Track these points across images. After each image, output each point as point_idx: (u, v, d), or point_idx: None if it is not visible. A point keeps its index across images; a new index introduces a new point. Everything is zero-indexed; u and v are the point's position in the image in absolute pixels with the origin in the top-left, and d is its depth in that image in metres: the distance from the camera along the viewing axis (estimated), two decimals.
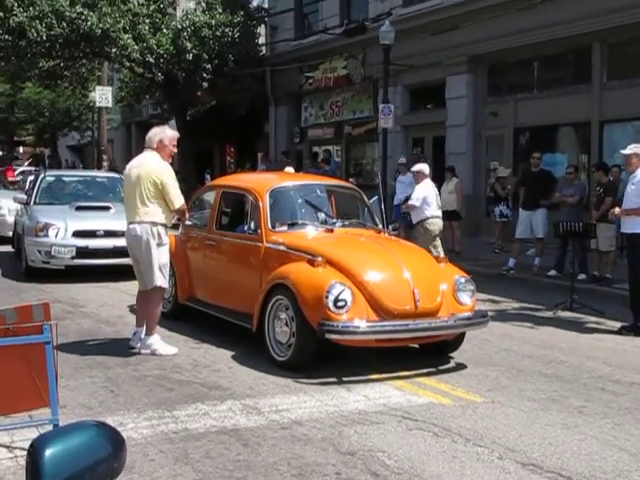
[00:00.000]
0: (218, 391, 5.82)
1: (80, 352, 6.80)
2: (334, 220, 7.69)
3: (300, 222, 7.46)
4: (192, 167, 24.88)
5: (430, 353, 6.93)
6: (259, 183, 7.92)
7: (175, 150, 7.14)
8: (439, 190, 15.65)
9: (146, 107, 30.50)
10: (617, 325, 8.45)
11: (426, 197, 10.50)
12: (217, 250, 7.88)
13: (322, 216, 7.72)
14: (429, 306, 6.36)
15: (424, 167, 11.08)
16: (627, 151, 8.58)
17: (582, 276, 11.29)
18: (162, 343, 6.92)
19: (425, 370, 6.51)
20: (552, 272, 11.88)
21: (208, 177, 24.35)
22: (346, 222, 7.71)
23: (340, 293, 6.06)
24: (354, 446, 4.68)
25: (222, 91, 22.97)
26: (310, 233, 7.27)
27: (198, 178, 23.97)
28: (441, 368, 6.64)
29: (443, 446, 4.73)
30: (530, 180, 12.80)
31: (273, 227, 7.14)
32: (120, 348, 6.88)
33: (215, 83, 23.00)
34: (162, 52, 21.73)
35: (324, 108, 22.83)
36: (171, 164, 7.41)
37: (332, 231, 7.31)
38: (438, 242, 10.72)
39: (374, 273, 6.46)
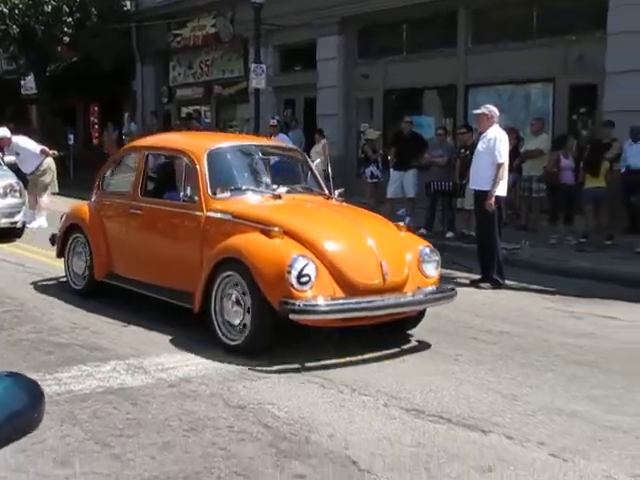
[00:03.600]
0: (100, 352, 5.70)
1: None
2: (278, 185, 6.95)
3: (243, 187, 6.70)
4: (54, 125, 23.82)
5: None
6: (194, 144, 7.08)
7: None
8: (308, 152, 15.97)
9: None
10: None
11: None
12: (144, 220, 7.00)
13: (266, 181, 7.04)
14: (397, 279, 5.85)
15: (5, 132, 12.70)
16: (477, 111, 9.08)
17: (450, 234, 11.79)
18: None
19: None
20: (422, 230, 12.30)
21: (71, 137, 23.31)
22: (292, 187, 7.04)
23: (304, 267, 5.47)
24: (244, 400, 4.73)
25: (84, 46, 22.02)
26: (256, 200, 6.58)
27: (61, 137, 22.93)
28: None
29: (330, 396, 4.86)
30: (401, 142, 13.15)
31: (214, 193, 6.36)
32: None
33: (77, 38, 22.00)
34: (17, 2, 20.50)
35: (193, 67, 22.38)
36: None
37: (279, 197, 6.61)
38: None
39: (338, 244, 5.92)
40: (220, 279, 5.82)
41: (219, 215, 6.21)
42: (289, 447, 4.05)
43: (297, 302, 5.40)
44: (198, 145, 6.89)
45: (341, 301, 5.61)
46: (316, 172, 7.51)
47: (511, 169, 10.66)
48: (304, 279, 5.45)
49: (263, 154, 7.49)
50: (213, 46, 21.19)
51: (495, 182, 8.55)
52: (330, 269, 5.64)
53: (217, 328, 5.84)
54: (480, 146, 8.89)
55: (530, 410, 4.71)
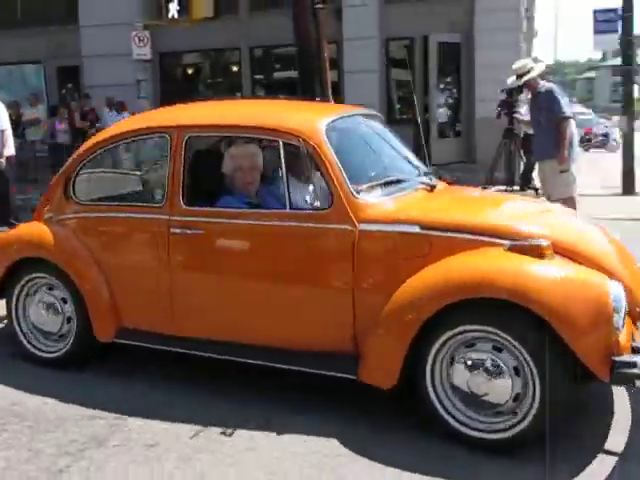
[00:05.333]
0: None
1: None
2: (412, 171, 4.67)
3: (390, 180, 4.28)
4: None
5: None
6: (292, 117, 4.32)
7: None
8: None
9: None
10: None
11: None
12: (208, 244, 4.24)
13: (398, 164, 4.71)
14: None
15: None
16: None
17: None
18: None
19: None
20: None
21: None
22: (425, 172, 4.72)
23: (623, 302, 3.45)
24: None
25: None
26: (418, 197, 4.28)
27: None
28: None
29: None
30: None
31: (357, 193, 3.93)
32: None
33: None
34: None
35: None
36: None
37: (433, 190, 4.42)
38: None
39: (612, 255, 3.98)
40: (446, 337, 3.52)
41: (391, 228, 3.82)
42: None
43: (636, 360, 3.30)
44: (301, 119, 4.26)
45: None
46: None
47: (17, 134, 13.30)
48: (622, 320, 3.44)
49: (372, 128, 4.96)
50: None
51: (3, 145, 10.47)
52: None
53: (447, 415, 3.58)
54: None
55: None
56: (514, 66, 7.57)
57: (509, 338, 3.35)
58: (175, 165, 4.27)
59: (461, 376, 3.50)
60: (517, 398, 3.40)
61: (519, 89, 8.19)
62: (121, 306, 4.51)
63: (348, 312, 3.82)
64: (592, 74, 58.71)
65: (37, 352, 4.79)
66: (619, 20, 11.62)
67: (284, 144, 4.00)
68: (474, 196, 4.86)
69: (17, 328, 4.85)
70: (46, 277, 4.71)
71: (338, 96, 11.72)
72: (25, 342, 4.83)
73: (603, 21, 12.56)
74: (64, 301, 4.68)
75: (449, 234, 3.70)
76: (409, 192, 4.25)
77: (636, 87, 12.03)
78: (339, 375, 3.80)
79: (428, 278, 3.57)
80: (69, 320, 4.67)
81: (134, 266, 4.49)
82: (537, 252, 3.44)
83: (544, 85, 7.35)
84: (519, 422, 3.40)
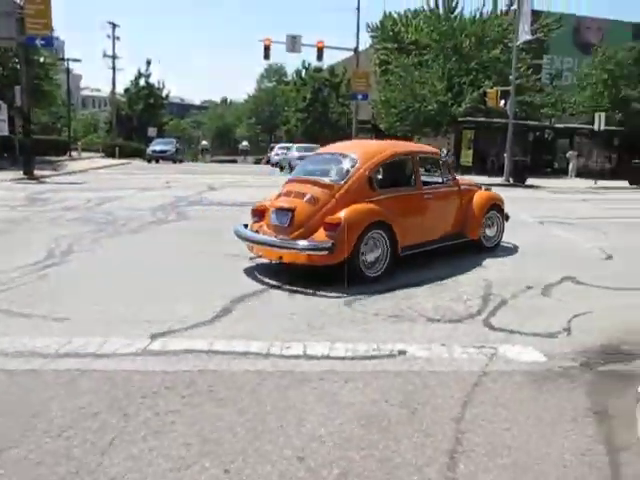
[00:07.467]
0: None
1: None
2: None
3: None
4: None
5: None
6: (430, 148, 11.39)
7: None
8: None
9: None
10: None
11: None
12: (432, 200, 10.09)
13: None
14: None
15: None
16: None
17: None
18: None
19: None
20: None
21: None
22: None
23: None
24: None
25: None
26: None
27: None
28: None
29: None
30: None
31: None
32: None
33: None
34: None
35: None
36: None
37: None
38: None
39: None
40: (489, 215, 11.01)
41: (464, 187, 10.82)
42: None
43: None
44: (434, 149, 11.44)
45: None
46: None
47: None
48: None
49: None
50: None
51: None
52: None
53: None
54: None
55: None
56: None
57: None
58: (417, 170, 9.76)
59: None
60: None
61: None
62: (403, 236, 8.87)
63: (460, 217, 10.40)
64: None
65: (369, 274, 8.55)
66: None
67: (436, 159, 10.73)
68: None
69: (360, 264, 8.43)
70: (378, 231, 8.61)
71: None
72: (364, 270, 8.49)
73: None
74: (380, 243, 8.71)
75: (472, 187, 11.10)
76: None
77: None
78: (466, 240, 10.42)
79: (482, 200, 10.87)
80: (383, 253, 8.72)
81: (409, 214, 9.30)
82: (487, 189, 11.43)
83: None
84: None
